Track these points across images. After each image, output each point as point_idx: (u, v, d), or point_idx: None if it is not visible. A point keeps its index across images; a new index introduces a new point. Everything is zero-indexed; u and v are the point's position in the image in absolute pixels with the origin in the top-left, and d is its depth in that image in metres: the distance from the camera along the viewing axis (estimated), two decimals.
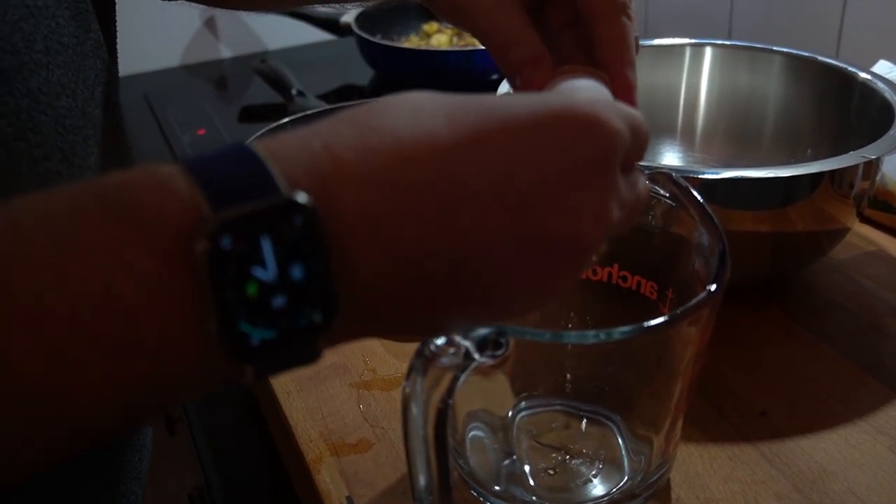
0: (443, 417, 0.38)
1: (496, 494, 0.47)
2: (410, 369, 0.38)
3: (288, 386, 0.58)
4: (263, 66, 1.13)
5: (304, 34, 1.37)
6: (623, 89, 0.43)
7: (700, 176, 0.56)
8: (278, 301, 0.25)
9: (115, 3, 0.52)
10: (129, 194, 0.25)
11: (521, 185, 0.28)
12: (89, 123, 0.42)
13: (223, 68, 1.34)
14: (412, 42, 1.28)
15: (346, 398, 0.57)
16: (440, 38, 1.26)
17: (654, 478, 0.47)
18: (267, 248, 0.25)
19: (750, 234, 0.59)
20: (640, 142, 0.34)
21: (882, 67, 0.73)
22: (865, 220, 0.73)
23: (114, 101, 0.47)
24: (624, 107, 0.33)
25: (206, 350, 0.25)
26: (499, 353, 0.40)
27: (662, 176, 0.48)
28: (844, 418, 0.53)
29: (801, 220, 0.59)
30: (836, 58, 0.71)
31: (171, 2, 0.62)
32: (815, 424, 0.53)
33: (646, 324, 0.38)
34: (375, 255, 0.27)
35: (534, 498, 0.47)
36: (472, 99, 0.30)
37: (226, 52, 1.37)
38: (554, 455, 0.49)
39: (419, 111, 0.29)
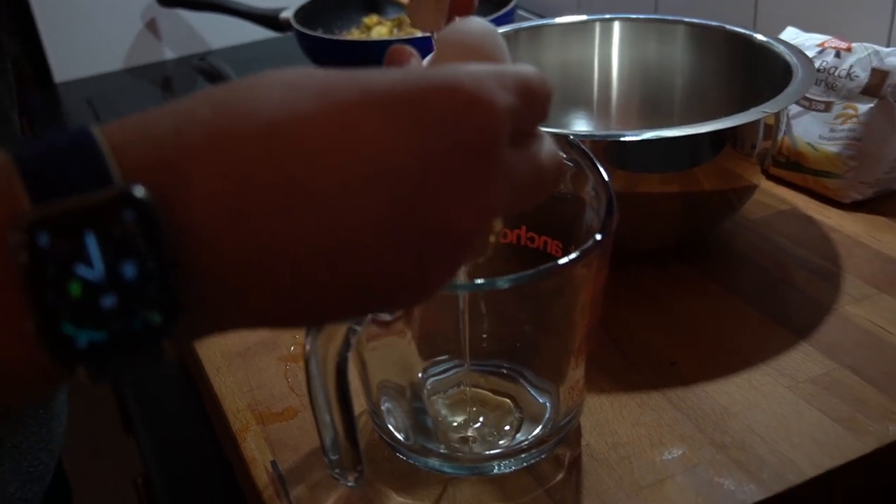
0: (341, 373, 0.40)
1: (413, 450, 0.49)
2: (308, 329, 0.40)
3: (218, 362, 0.60)
4: (203, 65, 1.14)
5: (247, 33, 1.38)
6: None
7: (605, 140, 0.58)
8: (108, 301, 0.23)
9: None
10: None
11: (394, 173, 0.26)
12: None
13: (167, 69, 1.35)
14: (353, 35, 1.30)
15: (275, 371, 0.58)
16: (380, 29, 1.27)
17: (563, 423, 0.49)
18: (92, 245, 0.23)
19: (660, 195, 0.62)
20: (537, 105, 0.31)
21: (789, 33, 0.76)
22: (779, 180, 0.76)
23: (4, 111, 0.49)
24: (515, 71, 0.31)
25: (31, 351, 0.23)
26: None
27: (560, 139, 0.50)
28: (749, 363, 0.55)
29: (707, 180, 0.61)
30: (752, 27, 0.74)
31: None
32: (722, 371, 0.55)
33: (529, 271, 0.40)
34: (232, 248, 0.25)
35: (449, 451, 0.49)
36: (347, 75, 0.28)
37: (169, 54, 1.38)
38: (467, 411, 0.51)
39: (288, 90, 0.27)
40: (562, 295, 0.46)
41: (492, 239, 0.33)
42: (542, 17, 1.27)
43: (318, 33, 1.21)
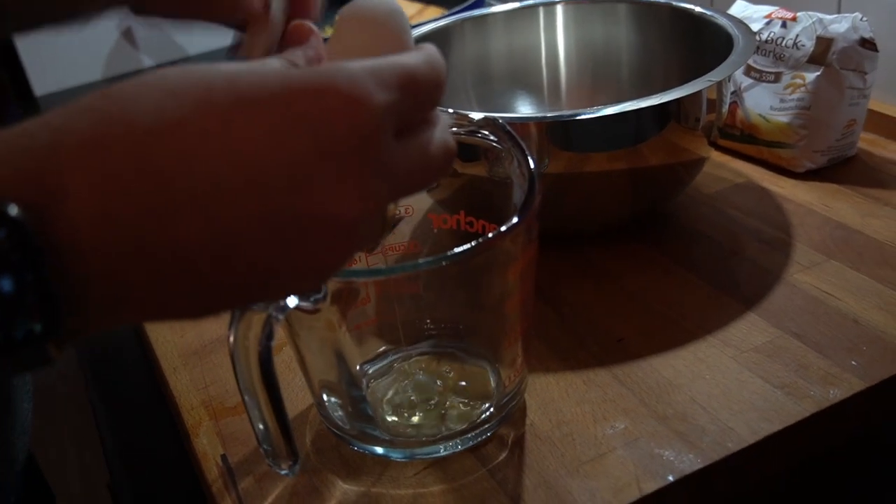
0: (265, 362, 0.41)
1: (358, 438, 0.50)
2: (231, 319, 0.40)
3: (174, 361, 0.60)
4: None
5: (223, 38, 1.38)
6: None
7: (547, 121, 0.59)
8: None
9: None
10: None
11: (269, 169, 0.28)
12: None
13: None
14: (327, 34, 1.30)
15: (230, 367, 0.59)
16: None
17: (505, 401, 0.49)
18: None
19: (608, 173, 0.62)
20: (423, 95, 0.32)
21: (738, 7, 0.76)
22: (734, 153, 0.76)
23: None
24: (398, 64, 0.31)
25: None
26: (318, 296, 0.42)
27: (488, 122, 0.50)
28: (696, 336, 0.56)
29: (654, 156, 0.62)
30: (709, 3, 0.74)
31: None
32: (668, 345, 0.55)
33: (448, 253, 0.41)
34: (112, 252, 0.26)
35: (392, 437, 0.49)
36: (228, 79, 0.29)
37: (147, 62, 1.39)
38: (411, 396, 0.51)
39: (168, 95, 0.28)
40: (491, 273, 0.46)
41: (384, 228, 0.34)
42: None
43: None
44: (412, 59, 0.32)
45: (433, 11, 1.26)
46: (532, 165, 0.45)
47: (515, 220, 0.43)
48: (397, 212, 0.37)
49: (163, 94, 0.28)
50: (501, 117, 0.54)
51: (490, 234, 0.42)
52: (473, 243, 0.42)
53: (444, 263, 0.42)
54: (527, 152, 0.47)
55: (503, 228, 0.42)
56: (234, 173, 0.27)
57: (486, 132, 0.51)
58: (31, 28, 0.62)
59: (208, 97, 0.28)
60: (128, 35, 1.37)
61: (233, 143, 0.27)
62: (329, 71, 0.29)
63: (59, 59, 1.33)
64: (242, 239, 0.28)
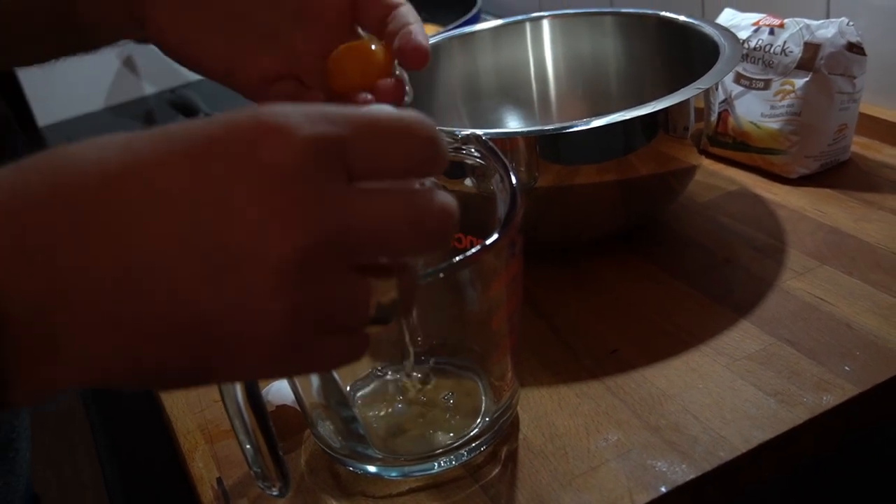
0: (251, 382, 0.41)
1: (351, 457, 0.50)
2: None
3: None
4: (174, 97, 1.16)
5: None
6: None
7: (534, 135, 0.59)
8: None
9: None
10: None
11: (185, 200, 0.27)
12: None
13: (148, 104, 1.37)
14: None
15: None
16: None
17: (497, 416, 0.49)
18: None
19: (599, 185, 0.62)
20: (390, 142, 0.30)
21: (726, 15, 0.76)
22: (728, 161, 0.76)
23: None
24: (360, 109, 0.30)
25: None
26: None
27: (471, 138, 0.51)
28: (689, 345, 0.55)
29: (644, 166, 0.62)
30: (701, 13, 0.74)
31: None
32: (661, 355, 0.55)
33: (430, 270, 0.41)
34: (30, 289, 0.26)
35: (385, 456, 0.49)
36: (161, 128, 0.29)
37: (149, 89, 1.40)
38: (406, 415, 0.51)
39: (102, 148, 0.28)
40: (476, 288, 0.46)
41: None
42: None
43: None
44: (379, 108, 0.31)
45: (430, 29, 1.27)
46: (514, 180, 0.46)
47: (496, 235, 0.43)
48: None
49: (99, 147, 0.28)
50: (489, 133, 0.55)
51: (472, 250, 0.43)
52: (455, 259, 0.42)
53: (426, 280, 0.42)
54: (508, 167, 0.47)
55: (485, 244, 0.43)
56: (149, 206, 0.27)
57: (471, 148, 0.51)
58: (35, 62, 0.63)
59: (135, 140, 0.28)
60: (129, 63, 1.38)
61: (149, 176, 0.28)
62: (260, 109, 0.29)
63: (61, 89, 1.34)
64: (158, 263, 0.27)
